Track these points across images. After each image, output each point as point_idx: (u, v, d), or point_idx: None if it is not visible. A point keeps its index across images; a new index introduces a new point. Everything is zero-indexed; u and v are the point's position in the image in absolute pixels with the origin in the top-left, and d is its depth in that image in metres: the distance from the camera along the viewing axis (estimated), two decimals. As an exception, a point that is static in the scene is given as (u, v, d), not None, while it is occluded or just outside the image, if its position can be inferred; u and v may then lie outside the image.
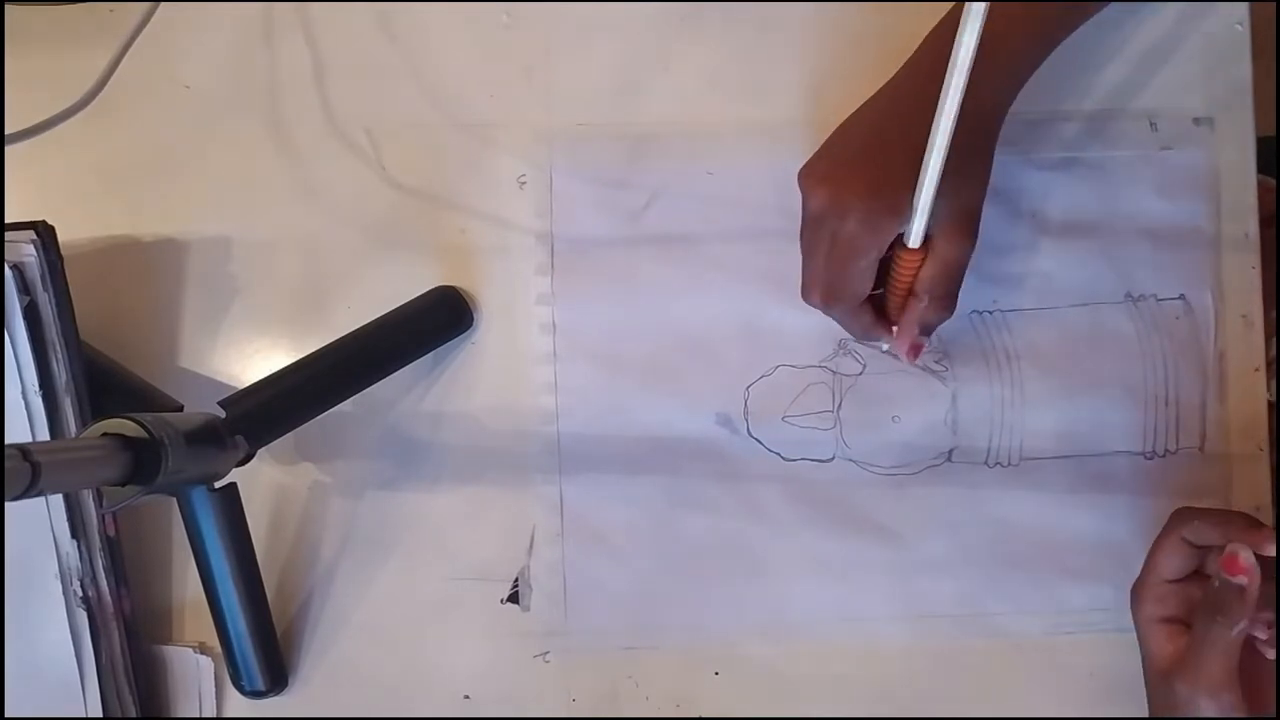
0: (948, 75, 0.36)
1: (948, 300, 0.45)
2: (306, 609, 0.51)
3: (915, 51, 0.46)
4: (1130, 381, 0.51)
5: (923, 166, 0.40)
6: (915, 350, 0.47)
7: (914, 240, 0.43)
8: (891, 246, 0.44)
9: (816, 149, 0.46)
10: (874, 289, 0.46)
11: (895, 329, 0.47)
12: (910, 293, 0.45)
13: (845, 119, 0.46)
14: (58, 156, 0.52)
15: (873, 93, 0.46)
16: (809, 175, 0.45)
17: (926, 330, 0.46)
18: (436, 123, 0.53)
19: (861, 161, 0.44)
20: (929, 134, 0.38)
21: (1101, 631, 0.51)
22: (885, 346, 0.50)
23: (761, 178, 0.51)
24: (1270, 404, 0.52)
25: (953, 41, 0.35)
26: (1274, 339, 0.54)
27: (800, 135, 0.45)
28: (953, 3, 0.46)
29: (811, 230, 0.45)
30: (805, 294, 0.47)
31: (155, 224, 0.52)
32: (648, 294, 0.52)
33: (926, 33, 0.46)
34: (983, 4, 0.33)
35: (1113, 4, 0.51)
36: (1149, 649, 0.45)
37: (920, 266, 0.44)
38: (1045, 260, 0.51)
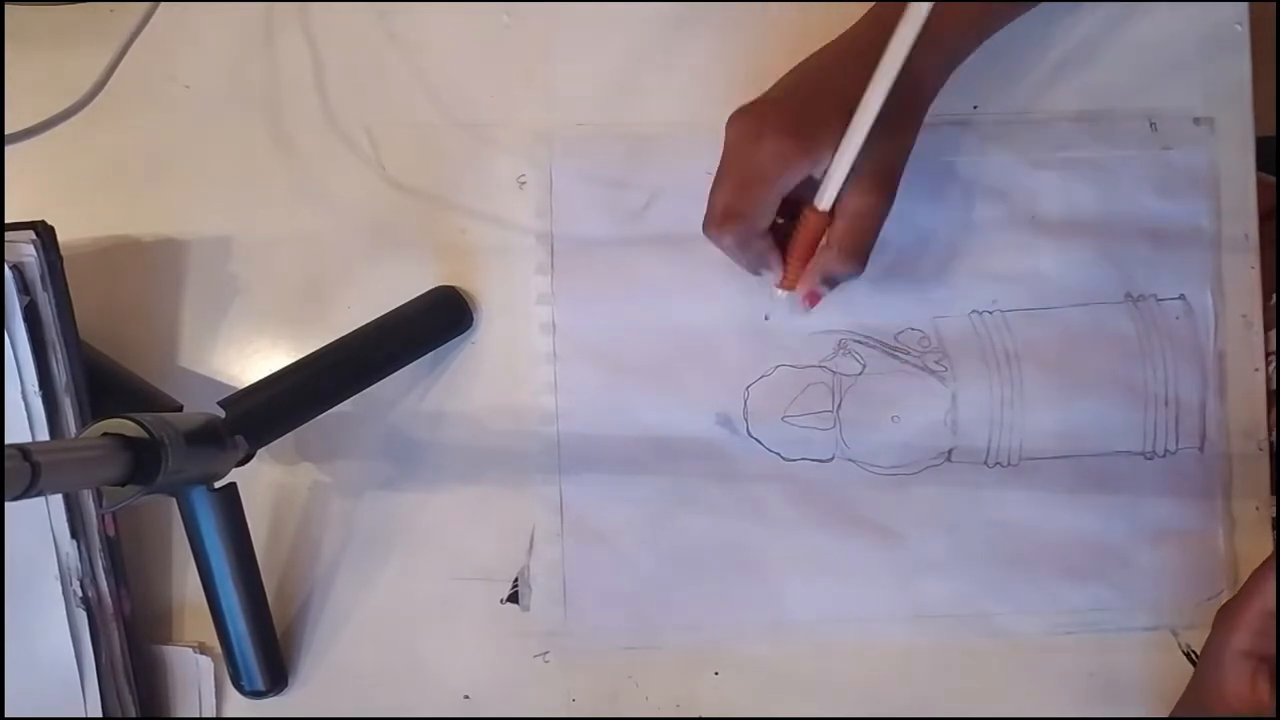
0: (880, 65, 0.37)
1: (857, 254, 0.45)
2: (306, 609, 0.51)
3: (860, 19, 0.46)
4: (1130, 381, 0.51)
5: (845, 137, 0.41)
6: (812, 298, 0.48)
7: (824, 203, 0.44)
8: (802, 206, 0.45)
9: None
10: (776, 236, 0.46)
11: (786, 278, 0.48)
12: (818, 246, 0.46)
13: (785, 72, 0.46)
14: (58, 156, 0.52)
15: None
16: (734, 112, 0.45)
17: (830, 282, 0.47)
18: (436, 123, 0.53)
19: (785, 102, 0.44)
20: (857, 97, 0.40)
21: (1101, 632, 0.51)
22: (780, 293, 0.49)
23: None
24: (1271, 393, 0.52)
25: (895, 19, 0.36)
26: (1274, 330, 0.54)
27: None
28: None
29: (724, 160, 0.45)
30: (705, 224, 0.46)
31: (155, 224, 0.52)
32: (648, 294, 0.52)
33: None
34: (925, 5, 0.35)
35: (1114, 4, 0.51)
36: (1223, 681, 0.41)
37: (824, 232, 0.45)
38: (1045, 260, 0.51)
